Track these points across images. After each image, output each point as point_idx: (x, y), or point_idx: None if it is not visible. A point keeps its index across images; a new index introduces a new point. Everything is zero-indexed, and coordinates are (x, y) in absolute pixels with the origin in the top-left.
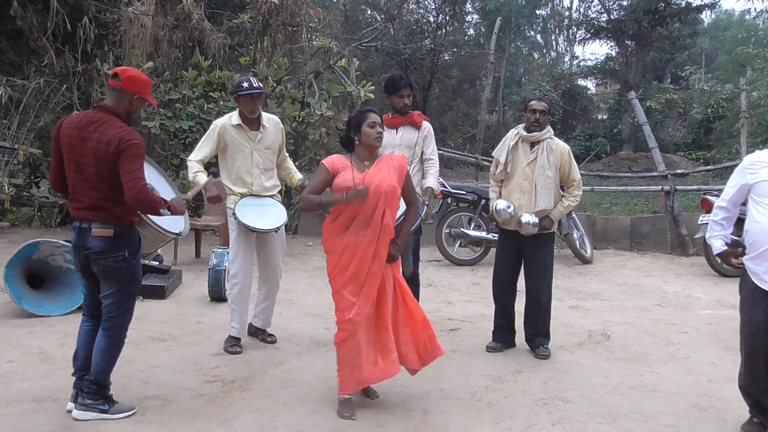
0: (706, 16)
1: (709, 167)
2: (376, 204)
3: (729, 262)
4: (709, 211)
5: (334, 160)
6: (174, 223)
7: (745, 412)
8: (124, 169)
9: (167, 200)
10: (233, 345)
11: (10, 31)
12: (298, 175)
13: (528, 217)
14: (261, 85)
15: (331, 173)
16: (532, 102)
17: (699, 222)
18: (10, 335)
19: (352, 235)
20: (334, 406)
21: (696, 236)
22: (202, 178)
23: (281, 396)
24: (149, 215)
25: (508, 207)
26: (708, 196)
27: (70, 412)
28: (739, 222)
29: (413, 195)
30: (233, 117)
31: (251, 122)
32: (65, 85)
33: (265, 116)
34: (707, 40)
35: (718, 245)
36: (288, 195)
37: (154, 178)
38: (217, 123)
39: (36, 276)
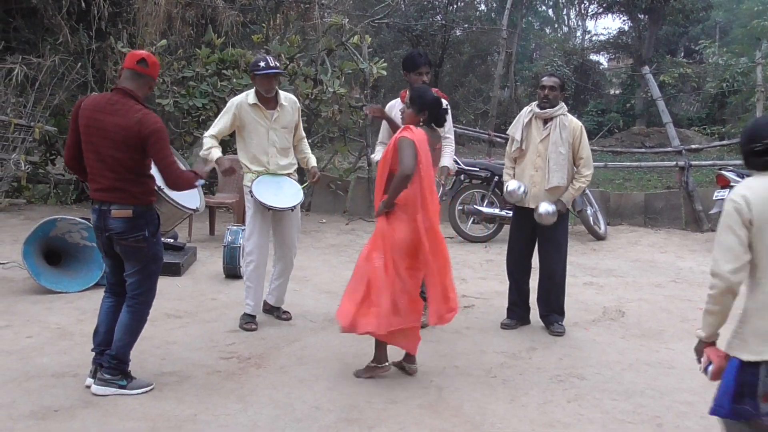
0: None
1: (724, 142)
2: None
3: None
4: (724, 187)
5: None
6: (190, 199)
7: None
8: (156, 157)
9: (196, 171)
10: (248, 322)
11: (25, 9)
12: (313, 161)
13: (546, 207)
14: (278, 64)
15: None
16: (543, 78)
17: (714, 197)
18: (28, 311)
19: None
20: (349, 382)
21: (711, 212)
22: (216, 153)
23: (297, 373)
24: (166, 191)
25: (519, 188)
26: (723, 172)
27: (89, 387)
28: None
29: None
30: (250, 95)
31: (267, 101)
32: (80, 63)
33: (283, 95)
34: (721, 13)
35: None
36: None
37: None
38: (234, 101)
39: (53, 253)
